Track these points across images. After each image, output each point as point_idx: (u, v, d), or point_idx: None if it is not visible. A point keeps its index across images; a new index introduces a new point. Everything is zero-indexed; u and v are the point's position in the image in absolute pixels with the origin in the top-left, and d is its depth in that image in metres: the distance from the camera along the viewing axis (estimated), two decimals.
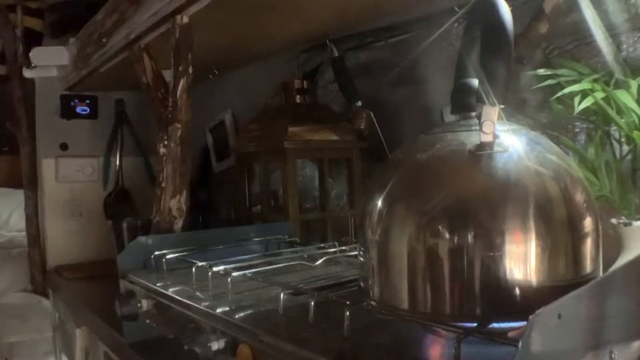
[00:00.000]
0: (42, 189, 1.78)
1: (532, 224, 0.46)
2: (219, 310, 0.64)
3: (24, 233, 1.84)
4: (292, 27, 1.19)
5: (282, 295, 0.60)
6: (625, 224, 0.66)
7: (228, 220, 1.64)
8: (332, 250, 0.90)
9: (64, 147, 1.78)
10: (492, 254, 0.45)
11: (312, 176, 1.40)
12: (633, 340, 0.50)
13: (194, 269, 0.78)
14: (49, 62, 1.65)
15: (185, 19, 1.03)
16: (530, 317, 0.36)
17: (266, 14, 1.07)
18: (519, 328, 0.45)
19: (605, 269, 0.50)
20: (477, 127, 0.48)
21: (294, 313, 0.59)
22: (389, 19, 1.17)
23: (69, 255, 1.74)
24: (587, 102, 0.69)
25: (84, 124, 1.81)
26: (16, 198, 1.89)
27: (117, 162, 1.85)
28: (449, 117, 0.57)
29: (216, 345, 0.61)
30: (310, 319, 0.55)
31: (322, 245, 0.96)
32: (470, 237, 0.46)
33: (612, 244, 0.57)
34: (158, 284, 0.79)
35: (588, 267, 0.49)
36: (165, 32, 1.08)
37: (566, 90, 0.71)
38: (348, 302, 0.53)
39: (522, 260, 0.46)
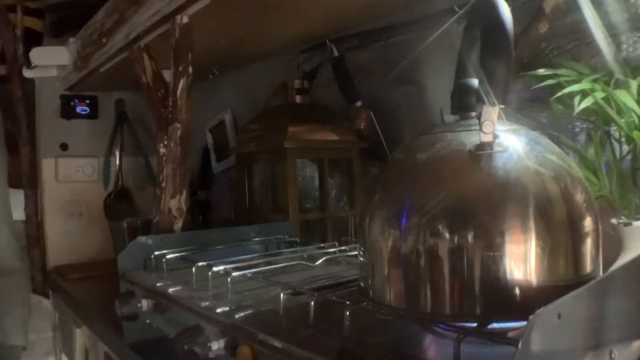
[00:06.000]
0: (42, 189, 1.78)
1: (532, 224, 0.46)
2: (219, 310, 0.64)
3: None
4: (292, 27, 1.19)
5: (282, 295, 0.60)
6: (625, 224, 0.66)
7: (228, 220, 1.64)
8: (332, 250, 0.90)
9: (64, 147, 1.78)
10: (492, 254, 0.45)
11: (312, 176, 1.40)
12: (633, 340, 0.50)
13: (194, 269, 0.78)
14: (49, 62, 1.65)
15: (185, 19, 1.03)
16: (530, 317, 0.36)
17: (266, 14, 1.07)
18: (519, 328, 0.45)
19: (605, 269, 0.50)
20: (477, 127, 0.48)
21: (294, 313, 0.59)
22: (389, 19, 1.17)
23: (69, 255, 1.74)
24: (587, 102, 0.69)
25: (84, 124, 1.81)
26: (16, 198, 1.89)
27: (117, 162, 1.85)
28: (449, 117, 0.57)
29: (216, 345, 0.61)
30: (310, 319, 0.55)
31: (322, 245, 0.96)
32: (470, 237, 0.46)
33: (612, 244, 0.57)
34: (158, 284, 0.79)
35: (588, 267, 0.49)
36: (165, 32, 1.08)
37: (566, 90, 0.71)
38: (348, 302, 0.53)
39: (522, 260, 0.46)
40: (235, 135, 1.74)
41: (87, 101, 1.80)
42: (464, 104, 0.54)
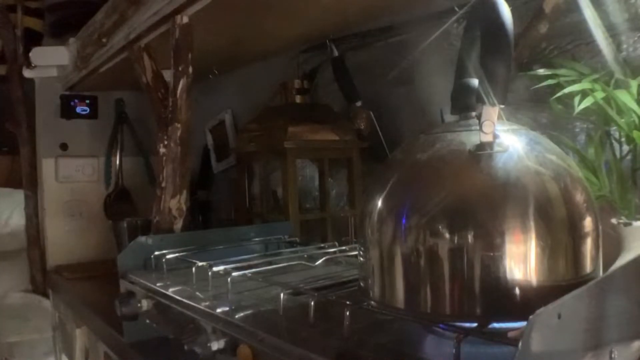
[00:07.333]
0: (42, 189, 1.78)
1: (532, 224, 0.46)
2: (219, 310, 0.64)
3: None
4: (292, 27, 1.19)
5: (282, 295, 0.60)
6: (625, 224, 0.66)
7: (228, 220, 1.64)
8: (332, 250, 0.90)
9: (64, 147, 1.78)
10: (492, 254, 0.45)
11: (312, 176, 1.40)
12: (633, 340, 0.50)
13: (194, 269, 0.78)
14: (49, 62, 1.65)
15: (185, 19, 1.03)
16: (530, 317, 0.36)
17: (266, 14, 1.07)
18: (519, 328, 0.45)
19: (605, 269, 0.50)
20: (477, 127, 0.48)
21: (294, 313, 0.59)
22: (389, 19, 1.17)
23: (69, 255, 1.74)
24: (587, 102, 0.69)
25: (84, 124, 1.81)
26: (16, 198, 1.89)
27: (117, 162, 1.85)
28: (449, 117, 0.57)
29: (216, 345, 0.61)
30: (310, 319, 0.55)
31: (322, 245, 0.96)
32: (470, 237, 0.46)
33: (612, 244, 0.57)
34: (158, 284, 0.79)
35: (588, 267, 0.49)
36: (165, 32, 1.08)
37: (566, 90, 0.71)
38: (348, 302, 0.53)
39: (522, 260, 0.46)
40: (235, 135, 1.74)
41: (87, 101, 1.80)
42: (464, 104, 0.54)
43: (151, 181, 1.82)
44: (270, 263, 0.82)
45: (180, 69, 1.05)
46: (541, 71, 0.78)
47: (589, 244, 0.49)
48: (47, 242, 1.76)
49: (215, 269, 0.75)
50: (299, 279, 0.75)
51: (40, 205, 1.80)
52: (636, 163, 0.72)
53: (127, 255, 0.91)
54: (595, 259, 0.50)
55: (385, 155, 1.13)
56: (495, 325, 0.45)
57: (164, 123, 1.08)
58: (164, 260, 0.87)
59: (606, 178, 0.71)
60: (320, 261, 0.81)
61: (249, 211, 1.33)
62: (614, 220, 0.67)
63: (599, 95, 0.69)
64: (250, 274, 0.73)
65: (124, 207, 1.81)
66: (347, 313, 0.51)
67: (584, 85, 0.71)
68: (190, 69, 1.06)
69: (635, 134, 0.68)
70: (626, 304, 0.50)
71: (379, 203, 0.52)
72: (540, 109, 0.88)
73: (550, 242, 0.46)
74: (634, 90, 0.70)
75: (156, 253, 0.90)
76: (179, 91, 1.06)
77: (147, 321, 0.82)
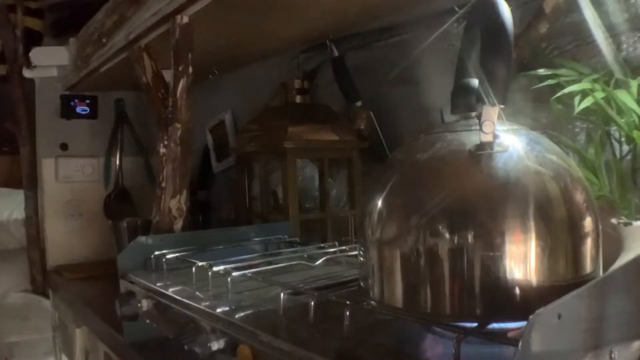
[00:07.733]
0: (42, 189, 1.78)
1: (532, 224, 0.46)
2: (219, 310, 0.64)
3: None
4: (292, 27, 1.19)
5: (282, 295, 0.60)
6: (625, 224, 0.66)
7: (228, 220, 1.64)
8: (332, 250, 0.90)
9: (64, 147, 1.78)
10: (492, 254, 0.45)
11: (312, 176, 1.40)
12: (633, 340, 0.50)
13: (194, 269, 0.78)
14: (49, 62, 1.65)
15: (185, 19, 1.03)
16: (530, 317, 0.36)
17: (266, 14, 1.07)
18: (519, 328, 0.45)
19: (605, 269, 0.50)
20: (477, 127, 0.48)
21: (294, 313, 0.59)
22: (389, 19, 1.17)
23: (69, 255, 1.74)
24: (587, 102, 0.69)
25: (84, 124, 1.81)
26: (16, 198, 1.89)
27: (117, 162, 1.85)
28: (449, 117, 0.57)
29: (216, 345, 0.61)
30: (310, 319, 0.55)
31: (322, 245, 0.96)
32: (470, 237, 0.46)
33: (612, 244, 0.57)
34: (158, 284, 0.79)
35: (588, 267, 0.49)
36: (165, 32, 1.08)
37: (566, 90, 0.71)
38: (348, 302, 0.53)
39: (522, 260, 0.46)
40: (235, 135, 1.74)
41: (87, 101, 1.80)
42: (464, 104, 0.54)
43: (151, 181, 1.82)
44: (270, 263, 0.82)
45: (180, 69, 1.05)
46: (541, 71, 0.78)
47: (589, 244, 0.49)
48: (47, 242, 1.76)
49: (215, 269, 0.75)
50: (299, 279, 0.75)
51: (40, 205, 1.80)
52: (636, 163, 0.72)
53: (127, 255, 0.91)
54: (595, 259, 0.50)
55: (385, 155, 1.13)
56: (495, 325, 0.45)
57: (164, 123, 1.08)
58: (164, 260, 0.87)
59: (606, 178, 0.71)
60: (320, 261, 0.82)
61: (249, 211, 1.33)
62: (614, 220, 0.67)
63: (599, 95, 0.69)
64: (250, 274, 0.73)
65: (124, 207, 1.81)
66: (347, 313, 0.51)
67: (584, 85, 0.71)
68: (190, 69, 1.06)
69: (635, 134, 0.68)
70: (626, 304, 0.50)
71: (379, 203, 0.52)
72: (540, 109, 0.88)
73: (550, 242, 0.46)
74: (634, 90, 0.70)
75: (156, 253, 0.90)
76: (179, 91, 1.06)
77: (147, 321, 0.82)
